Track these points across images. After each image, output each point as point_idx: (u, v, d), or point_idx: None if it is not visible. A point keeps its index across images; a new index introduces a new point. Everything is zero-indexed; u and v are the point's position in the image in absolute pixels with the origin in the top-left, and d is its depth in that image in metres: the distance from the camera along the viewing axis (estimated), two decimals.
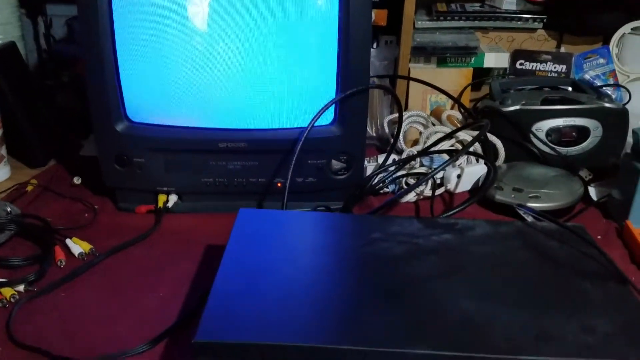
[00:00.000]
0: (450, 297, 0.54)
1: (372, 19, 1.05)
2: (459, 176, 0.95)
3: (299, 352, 0.47)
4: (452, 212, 0.84)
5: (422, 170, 0.96)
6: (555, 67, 1.20)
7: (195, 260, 0.78)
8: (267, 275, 0.56)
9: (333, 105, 0.84)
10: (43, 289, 0.71)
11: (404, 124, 1.05)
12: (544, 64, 1.20)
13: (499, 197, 0.89)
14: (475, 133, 0.98)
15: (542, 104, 1.01)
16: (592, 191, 0.94)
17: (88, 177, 0.97)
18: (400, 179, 0.94)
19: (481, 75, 1.22)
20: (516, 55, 1.21)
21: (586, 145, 1.00)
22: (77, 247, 0.79)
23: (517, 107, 1.00)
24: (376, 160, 1.00)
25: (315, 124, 0.83)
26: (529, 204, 0.85)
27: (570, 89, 1.10)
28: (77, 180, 0.97)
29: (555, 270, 0.59)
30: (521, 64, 1.21)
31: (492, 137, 0.99)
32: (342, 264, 0.60)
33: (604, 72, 1.20)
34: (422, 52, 1.17)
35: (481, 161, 0.97)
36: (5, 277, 0.71)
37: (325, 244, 0.65)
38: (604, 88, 1.16)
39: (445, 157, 0.97)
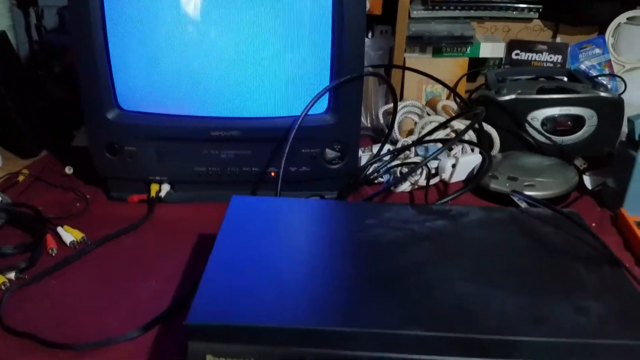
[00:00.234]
0: (444, 281, 0.53)
1: (367, 8, 1.04)
2: (453, 166, 0.95)
3: (291, 334, 0.47)
4: (446, 199, 0.83)
5: (417, 159, 0.95)
6: (551, 57, 1.20)
7: (188, 249, 0.77)
8: (259, 260, 0.56)
9: (327, 94, 0.84)
10: (34, 277, 0.70)
11: (399, 114, 1.05)
12: (540, 54, 1.20)
13: (494, 185, 0.89)
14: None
15: (537, 94, 1.00)
16: (587, 180, 0.94)
17: (80, 167, 0.96)
18: (395, 168, 0.94)
19: (477, 65, 1.21)
20: (512, 45, 1.21)
21: (581, 134, 1.00)
22: (69, 235, 0.78)
23: (513, 96, 1.00)
24: (371, 150, 1.00)
25: (309, 112, 0.82)
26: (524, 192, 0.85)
27: (565, 79, 1.09)
28: (68, 170, 0.96)
29: (549, 255, 0.59)
30: (517, 54, 1.21)
31: (487, 127, 0.99)
32: (335, 248, 0.60)
33: (599, 62, 1.19)
34: (417, 42, 1.16)
35: (476, 151, 0.97)
36: None
37: (319, 229, 0.64)
38: (599, 78, 1.15)
39: (440, 146, 0.96)
